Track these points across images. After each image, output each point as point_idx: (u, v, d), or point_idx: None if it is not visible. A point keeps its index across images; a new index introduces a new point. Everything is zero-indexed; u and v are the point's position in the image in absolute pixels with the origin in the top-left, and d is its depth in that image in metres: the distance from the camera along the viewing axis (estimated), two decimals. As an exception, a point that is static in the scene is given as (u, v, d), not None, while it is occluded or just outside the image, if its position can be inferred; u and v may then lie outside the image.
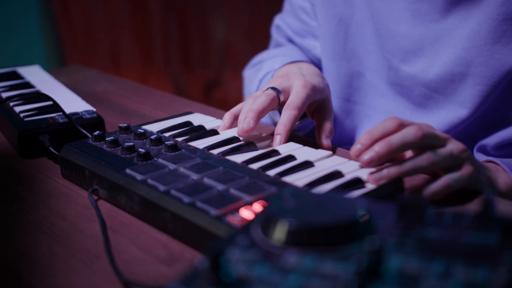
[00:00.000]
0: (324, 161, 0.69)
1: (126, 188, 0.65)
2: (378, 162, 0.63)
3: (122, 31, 2.81)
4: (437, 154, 0.64)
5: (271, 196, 0.53)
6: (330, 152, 0.71)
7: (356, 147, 0.64)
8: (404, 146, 0.63)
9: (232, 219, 0.55)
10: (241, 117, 0.78)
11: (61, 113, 0.87)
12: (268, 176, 0.65)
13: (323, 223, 0.42)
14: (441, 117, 0.92)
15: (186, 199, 0.59)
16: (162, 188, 0.62)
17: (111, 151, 0.73)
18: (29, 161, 0.82)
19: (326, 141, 0.81)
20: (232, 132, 0.79)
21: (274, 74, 0.94)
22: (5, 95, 1.01)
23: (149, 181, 0.64)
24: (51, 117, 0.87)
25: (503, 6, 0.81)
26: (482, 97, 0.86)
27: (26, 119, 0.87)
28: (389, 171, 0.63)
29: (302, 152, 0.72)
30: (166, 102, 1.11)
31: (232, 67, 2.67)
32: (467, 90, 0.86)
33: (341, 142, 1.05)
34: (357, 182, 0.62)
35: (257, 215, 0.47)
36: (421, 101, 0.93)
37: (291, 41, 1.13)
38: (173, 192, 0.61)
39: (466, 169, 0.66)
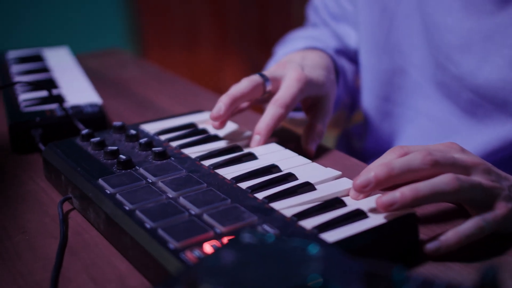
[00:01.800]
0: (329, 184, 0.58)
1: (94, 201, 0.57)
2: (374, 188, 0.51)
3: (199, 7, 2.75)
4: (462, 180, 0.51)
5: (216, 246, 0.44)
6: (339, 173, 0.60)
7: (366, 177, 0.52)
8: (409, 172, 0.51)
9: (190, 256, 0.45)
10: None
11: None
12: (255, 199, 0.54)
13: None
14: (495, 131, 0.78)
15: (149, 224, 0.50)
16: (128, 206, 0.53)
17: (95, 154, 0.65)
18: (20, 157, 0.76)
19: (310, 146, 0.72)
20: (234, 139, 0.70)
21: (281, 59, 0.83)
22: (18, 79, 0.95)
23: (118, 196, 0.55)
24: (50, 109, 0.80)
25: None
26: None
27: (25, 108, 0.80)
28: (403, 193, 0.49)
29: (306, 170, 0.61)
30: (192, 93, 1.02)
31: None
32: None
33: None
34: (358, 215, 0.51)
35: (190, 267, 0.37)
36: (470, 108, 0.79)
37: (326, 24, 1.00)
38: (138, 213, 0.52)
39: (500, 209, 0.53)
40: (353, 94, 0.99)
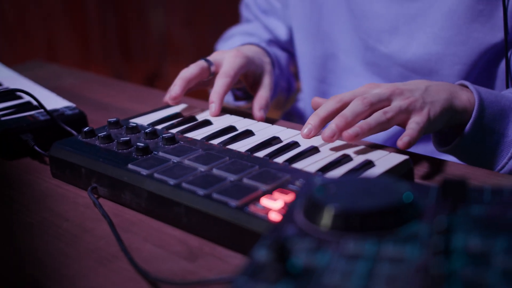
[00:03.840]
0: (328, 146, 0.68)
1: (131, 184, 0.63)
2: (339, 136, 0.66)
3: (57, 24, 2.72)
4: (389, 111, 0.67)
5: (303, 183, 0.52)
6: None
7: (306, 128, 0.68)
8: (357, 116, 0.67)
9: (255, 209, 0.54)
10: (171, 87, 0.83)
11: (41, 110, 0.83)
12: (277, 163, 0.64)
13: (375, 208, 0.41)
14: None
15: (200, 191, 0.58)
16: (172, 181, 0.60)
17: (105, 147, 0.71)
18: (12, 162, 0.78)
19: (259, 113, 0.84)
20: (228, 121, 0.78)
21: None
22: (-28, 94, 0.96)
23: (156, 175, 0.62)
24: (31, 115, 0.83)
25: None
26: (461, 76, 0.87)
27: (3, 118, 0.83)
28: (361, 127, 0.65)
29: (299, 137, 0.71)
30: (139, 94, 1.08)
31: (173, 56, 2.62)
32: (445, 69, 0.87)
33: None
34: (368, 164, 0.62)
35: (292, 203, 0.46)
36: (399, 81, 0.93)
37: (257, 18, 1.13)
38: (185, 185, 0.59)
39: (418, 118, 0.67)
40: (288, 78, 1.11)
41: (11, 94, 0.90)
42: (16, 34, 2.67)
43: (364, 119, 0.67)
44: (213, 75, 0.86)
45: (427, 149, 0.90)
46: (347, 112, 0.67)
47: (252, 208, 0.54)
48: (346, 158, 0.64)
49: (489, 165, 0.76)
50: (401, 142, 0.65)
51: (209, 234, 0.57)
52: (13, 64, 2.59)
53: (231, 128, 0.75)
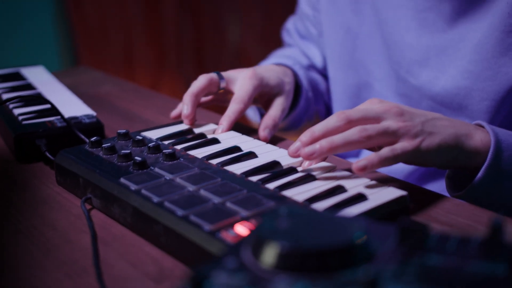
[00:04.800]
0: (326, 175, 0.66)
1: (119, 198, 0.63)
2: (319, 157, 0.63)
3: (135, 30, 2.80)
4: (369, 129, 0.63)
5: (265, 213, 0.51)
6: (333, 165, 0.68)
7: (295, 145, 0.65)
8: (349, 145, 0.63)
9: (226, 236, 0.52)
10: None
11: (59, 117, 0.85)
12: (267, 189, 0.62)
13: (317, 247, 0.39)
14: None
15: (179, 212, 0.57)
16: (155, 199, 0.59)
17: (108, 158, 0.71)
18: (25, 166, 0.80)
19: (263, 132, 0.83)
20: (234, 141, 0.77)
21: None
22: (6, 96, 0.99)
23: (143, 191, 0.61)
24: (50, 121, 0.85)
25: (510, 17, 0.77)
26: (491, 112, 0.82)
27: (24, 122, 0.85)
28: (321, 144, 0.62)
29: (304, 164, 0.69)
30: (172, 107, 1.08)
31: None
32: (474, 105, 0.82)
33: (347, 154, 1.02)
34: (360, 198, 0.59)
35: (249, 234, 0.44)
36: None
37: (297, 44, 1.12)
38: (167, 204, 0.58)
39: (408, 142, 0.63)
40: (327, 103, 1.09)
41: (38, 99, 0.92)
42: (96, 38, 2.77)
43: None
44: (223, 89, 0.86)
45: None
46: (337, 138, 0.63)
47: (223, 234, 0.52)
48: (340, 189, 0.61)
49: (509, 213, 0.70)
50: (355, 164, 0.61)
51: (182, 256, 0.56)
52: (90, 65, 2.70)
53: (236, 149, 0.73)
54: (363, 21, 0.96)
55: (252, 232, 0.44)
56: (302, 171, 0.66)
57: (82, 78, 1.28)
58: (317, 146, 0.63)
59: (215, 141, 0.77)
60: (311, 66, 1.08)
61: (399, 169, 0.90)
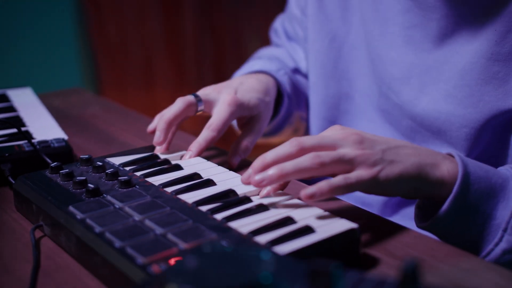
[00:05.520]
0: (281, 204, 0.64)
1: (65, 226, 0.61)
2: (270, 184, 0.61)
3: (155, 47, 2.82)
4: (322, 156, 0.60)
5: (188, 250, 0.49)
6: (290, 196, 0.66)
7: (247, 173, 0.63)
8: (300, 173, 0.60)
9: (156, 269, 0.50)
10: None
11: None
12: (214, 220, 0.60)
13: (217, 290, 0.37)
14: None
15: (117, 243, 0.55)
16: (97, 229, 0.58)
17: (64, 184, 0.70)
18: (-11, 190, 0.80)
19: (233, 159, 0.82)
20: (196, 168, 0.75)
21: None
22: (-15, 119, 0.99)
23: (88, 221, 0.60)
24: (18, 145, 0.84)
25: (496, 46, 0.75)
26: (470, 140, 0.79)
27: (-6, 146, 0.84)
28: (271, 171, 0.60)
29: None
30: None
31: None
32: (453, 131, 0.80)
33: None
34: (307, 230, 0.57)
35: (159, 273, 0.42)
36: (409, 133, 0.87)
37: (283, 45, 1.11)
38: (107, 234, 0.57)
39: (365, 171, 0.61)
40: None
41: (8, 123, 0.92)
42: (117, 55, 2.80)
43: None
44: (200, 112, 0.84)
45: None
46: (288, 166, 0.60)
47: (154, 268, 0.51)
48: (289, 221, 0.59)
49: (473, 249, 0.67)
50: (303, 191, 0.59)
51: (118, 290, 0.54)
52: (111, 84, 2.70)
53: (195, 176, 0.72)
54: (350, 31, 0.94)
55: (161, 272, 0.42)
56: (256, 201, 0.64)
57: (70, 99, 1.28)
58: (267, 173, 0.61)
59: (177, 167, 0.75)
60: (297, 70, 1.07)
61: (375, 197, 0.87)
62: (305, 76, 1.07)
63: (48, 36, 2.55)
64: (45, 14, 2.53)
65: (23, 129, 0.92)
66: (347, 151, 0.62)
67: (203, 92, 0.85)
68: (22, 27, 2.48)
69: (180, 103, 0.82)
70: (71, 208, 0.63)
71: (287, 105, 1.00)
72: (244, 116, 0.86)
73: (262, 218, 0.60)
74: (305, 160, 0.61)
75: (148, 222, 0.59)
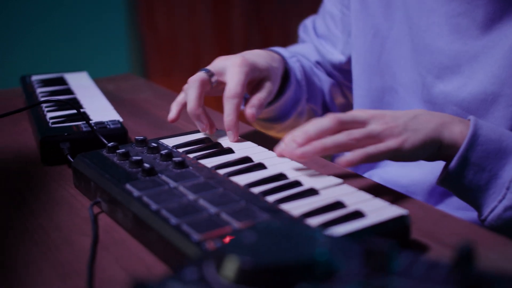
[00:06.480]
0: (331, 189, 0.65)
1: (122, 203, 0.64)
2: (310, 157, 0.67)
3: (204, 39, 2.85)
4: (354, 133, 0.67)
5: (244, 227, 0.51)
6: (340, 180, 0.67)
7: (288, 146, 0.68)
8: (339, 147, 0.67)
9: (211, 246, 0.52)
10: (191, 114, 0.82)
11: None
12: (266, 202, 0.61)
13: (276, 263, 0.38)
14: None
15: (173, 220, 0.57)
16: (154, 206, 0.60)
17: (120, 164, 0.72)
18: (49, 167, 0.83)
19: (250, 110, 0.82)
20: (247, 152, 0.77)
21: None
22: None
23: (144, 198, 0.62)
24: (76, 125, 0.87)
25: None
26: None
27: (53, 125, 0.88)
28: (314, 145, 0.66)
29: (311, 178, 0.68)
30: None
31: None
32: (499, 111, 0.81)
33: (367, 164, 1.00)
34: (357, 215, 0.58)
35: (216, 248, 0.44)
36: None
37: (312, 40, 1.13)
38: (163, 212, 0.59)
39: (391, 141, 0.68)
40: (327, 104, 1.11)
41: (68, 104, 0.95)
42: (166, 46, 2.84)
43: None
44: (216, 84, 0.84)
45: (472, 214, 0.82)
46: (310, 128, 0.67)
47: (209, 245, 0.52)
48: (339, 205, 0.60)
49: (479, 205, 0.73)
50: (341, 159, 0.66)
51: (173, 264, 0.56)
52: (158, 75, 2.75)
53: (246, 159, 0.73)
54: (393, 26, 0.95)
55: (219, 247, 0.44)
56: (306, 185, 0.66)
57: (123, 84, 1.31)
58: (310, 147, 0.67)
59: (229, 151, 0.77)
60: (320, 63, 1.09)
61: (420, 185, 0.88)
62: (337, 69, 1.09)
63: (100, 27, 2.61)
64: (98, 5, 2.59)
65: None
66: (374, 127, 0.69)
67: (212, 65, 0.85)
68: (77, 18, 2.54)
69: (193, 85, 0.81)
70: (127, 186, 0.65)
71: (294, 89, 1.01)
72: (255, 79, 0.86)
73: (313, 201, 0.62)
74: (342, 137, 0.67)
75: (202, 202, 0.61)
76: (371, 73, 0.98)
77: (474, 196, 0.72)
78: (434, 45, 0.88)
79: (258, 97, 0.84)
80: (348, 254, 0.41)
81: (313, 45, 1.12)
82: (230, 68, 0.82)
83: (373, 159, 0.67)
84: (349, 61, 1.06)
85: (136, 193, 0.64)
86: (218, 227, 0.55)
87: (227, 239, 0.53)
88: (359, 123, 0.69)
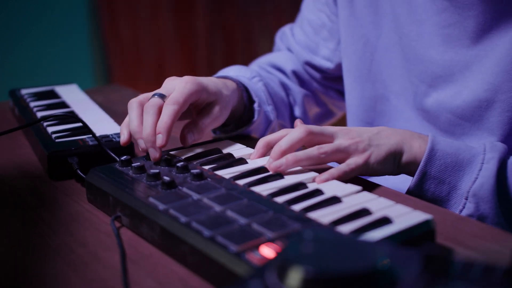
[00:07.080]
0: (353, 197, 0.66)
1: (147, 217, 0.64)
2: (286, 169, 0.73)
3: (167, 47, 2.84)
4: (325, 146, 0.74)
5: (291, 236, 0.51)
6: (359, 188, 0.69)
7: (265, 160, 0.75)
8: (310, 160, 0.73)
9: (252, 257, 0.53)
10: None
11: (91, 135, 0.87)
12: (292, 211, 0.62)
13: (342, 273, 0.39)
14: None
15: (206, 232, 0.58)
16: (183, 219, 0.61)
17: (137, 177, 0.72)
18: (57, 183, 0.82)
19: (187, 136, 0.80)
20: (261, 161, 0.78)
21: None
22: (40, 114, 1.02)
23: (171, 211, 0.63)
24: (81, 139, 0.87)
25: None
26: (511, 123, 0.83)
27: (57, 140, 0.87)
28: (287, 158, 0.72)
29: (330, 186, 0.69)
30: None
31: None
32: (495, 117, 0.84)
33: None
34: (384, 221, 0.59)
35: (274, 257, 0.45)
36: (448, 128, 0.90)
37: (289, 49, 1.15)
38: (194, 224, 0.59)
39: (355, 159, 0.74)
40: (297, 117, 1.10)
41: (71, 117, 0.94)
42: (129, 55, 2.82)
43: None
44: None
45: None
46: (282, 142, 0.74)
47: (249, 256, 0.53)
48: (364, 212, 0.62)
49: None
50: (318, 178, 0.71)
51: (209, 276, 0.57)
52: (122, 82, 2.73)
53: (262, 169, 0.74)
54: (382, 34, 0.97)
55: (278, 255, 0.44)
56: (328, 193, 0.67)
57: (114, 96, 1.30)
58: (283, 160, 0.72)
59: (242, 161, 0.78)
60: (296, 72, 1.11)
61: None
62: (316, 69, 1.10)
63: (61, 36, 2.58)
64: (58, 10, 2.56)
65: (79, 124, 0.94)
66: (342, 141, 0.75)
67: (162, 88, 0.82)
68: (34, 24, 2.51)
69: (151, 111, 0.78)
70: (151, 199, 0.65)
71: (264, 111, 0.98)
72: (202, 101, 0.83)
73: (338, 209, 0.63)
74: (313, 150, 0.73)
75: (229, 213, 0.62)
76: (363, 81, 1.00)
77: (442, 207, 0.76)
78: (425, 54, 0.90)
79: (200, 126, 0.81)
80: (407, 261, 0.42)
81: (288, 53, 1.13)
82: (178, 84, 0.80)
83: (346, 176, 0.73)
84: (337, 68, 1.08)
85: (161, 206, 0.64)
86: (252, 237, 0.56)
87: (263, 250, 0.54)
88: (326, 136, 0.75)
